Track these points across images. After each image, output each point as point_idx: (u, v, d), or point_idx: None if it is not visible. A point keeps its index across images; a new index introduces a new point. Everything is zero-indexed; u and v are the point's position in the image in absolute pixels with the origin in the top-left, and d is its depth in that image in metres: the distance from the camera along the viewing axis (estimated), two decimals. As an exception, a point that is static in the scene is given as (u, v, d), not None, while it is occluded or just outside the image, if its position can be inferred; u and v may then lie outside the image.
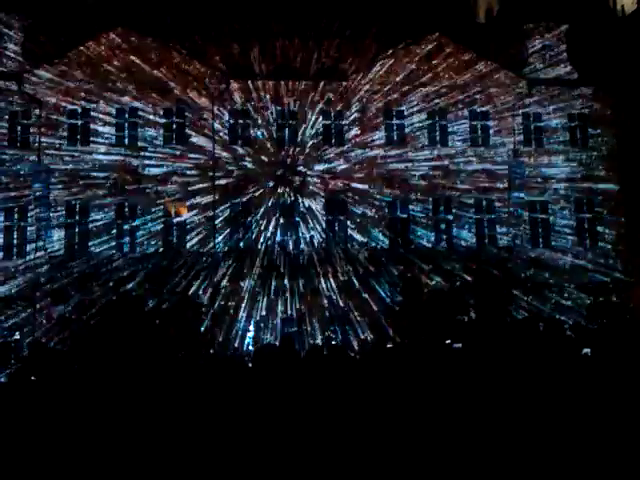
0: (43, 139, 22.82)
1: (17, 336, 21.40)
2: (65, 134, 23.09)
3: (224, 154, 23.69)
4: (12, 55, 23.22)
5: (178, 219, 23.40)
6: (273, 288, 22.17)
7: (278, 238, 23.16)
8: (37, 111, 22.93)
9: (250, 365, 5.58)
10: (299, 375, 4.72)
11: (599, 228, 24.38)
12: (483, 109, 24.64)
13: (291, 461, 3.81)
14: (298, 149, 23.92)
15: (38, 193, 22.03)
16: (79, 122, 23.30)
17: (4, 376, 16.68)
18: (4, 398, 4.56)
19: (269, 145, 23.88)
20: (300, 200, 23.71)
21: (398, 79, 24.24)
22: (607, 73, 23.49)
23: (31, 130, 23.00)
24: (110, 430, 4.02)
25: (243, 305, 21.99)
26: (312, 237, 23.22)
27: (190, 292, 21.48)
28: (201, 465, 3.90)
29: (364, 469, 3.79)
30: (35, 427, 4.05)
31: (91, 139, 23.19)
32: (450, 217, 24.08)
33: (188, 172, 23.37)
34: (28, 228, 22.43)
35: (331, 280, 22.49)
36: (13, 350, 20.86)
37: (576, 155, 24.58)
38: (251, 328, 21.67)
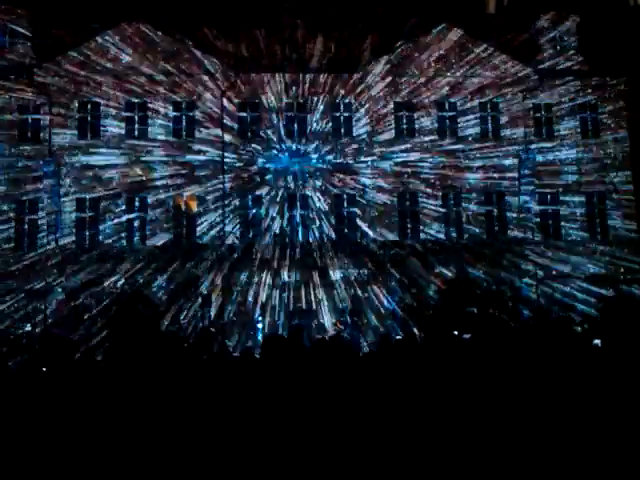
0: (53, 132, 22.95)
1: (28, 328, 21.56)
2: (75, 127, 23.22)
3: (233, 147, 23.73)
4: (22, 49, 23.33)
5: (188, 212, 23.46)
6: (282, 281, 22.19)
7: (288, 231, 23.16)
8: (47, 105, 23.05)
9: (257, 356, 5.58)
10: (304, 367, 4.71)
11: (610, 219, 24.20)
12: (493, 100, 24.50)
13: (293, 454, 3.83)
14: (307, 142, 23.89)
15: (48, 186, 22.13)
16: (89, 115, 23.42)
17: (15, 367, 16.76)
18: (14, 389, 4.59)
19: (278, 138, 23.86)
20: (310, 193, 23.69)
21: (407, 71, 24.17)
22: (619, 63, 23.29)
23: (41, 123, 23.14)
24: (119, 421, 4.04)
25: (253, 297, 22.01)
26: (322, 230, 23.20)
27: (200, 285, 21.57)
28: (203, 458, 3.93)
29: (367, 461, 3.79)
30: (45, 418, 4.08)
31: (101, 132, 23.31)
32: (460, 210, 24.00)
33: (198, 165, 23.42)
34: (39, 221, 22.60)
35: (341, 273, 22.48)
36: (24, 342, 20.98)
37: (587, 146, 24.40)
38: (260, 319, 21.67)
